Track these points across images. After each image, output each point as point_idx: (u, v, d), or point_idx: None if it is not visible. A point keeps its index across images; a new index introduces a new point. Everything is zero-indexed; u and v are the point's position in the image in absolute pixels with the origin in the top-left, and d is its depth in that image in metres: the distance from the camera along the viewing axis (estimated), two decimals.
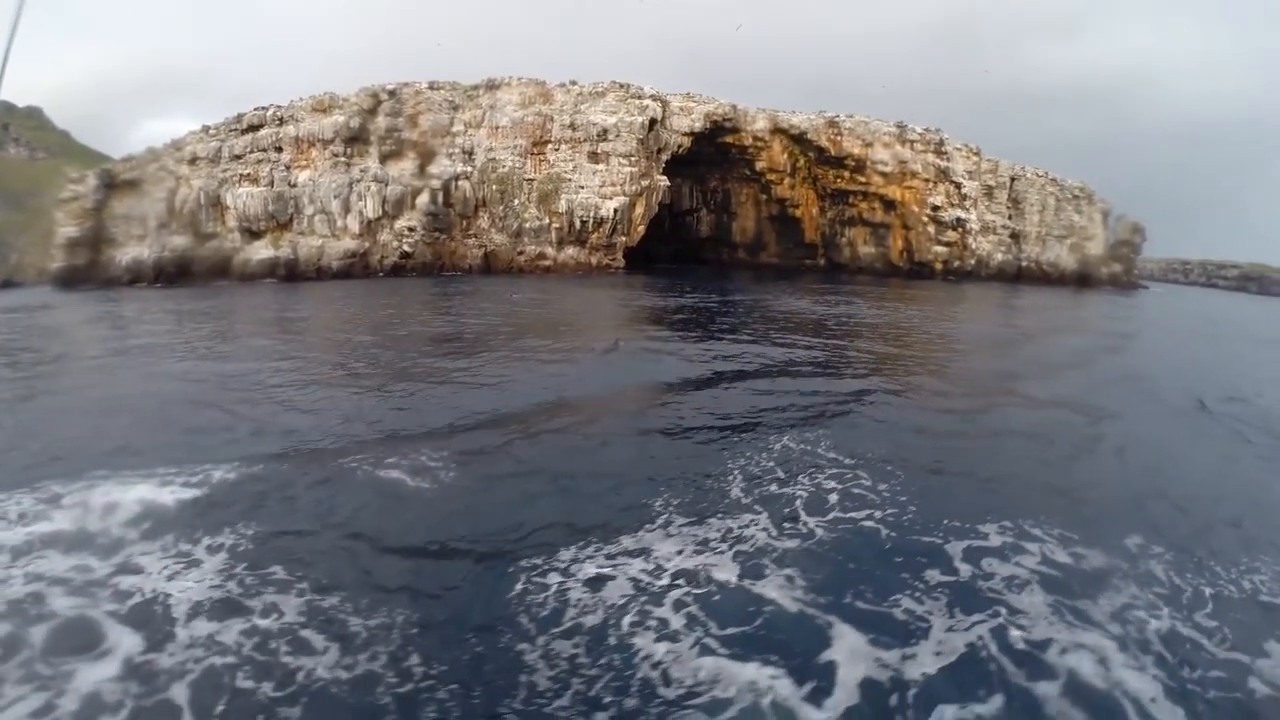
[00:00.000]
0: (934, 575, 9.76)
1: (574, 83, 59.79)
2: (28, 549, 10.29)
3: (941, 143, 71.73)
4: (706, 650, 8.11)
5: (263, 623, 8.84)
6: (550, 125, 55.67)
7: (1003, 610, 8.95)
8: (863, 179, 70.83)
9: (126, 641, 8.55)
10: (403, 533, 11.22)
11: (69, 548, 10.47)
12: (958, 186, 72.10)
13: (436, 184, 50.08)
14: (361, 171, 47.38)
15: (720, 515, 11.42)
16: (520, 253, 54.15)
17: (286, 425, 15.67)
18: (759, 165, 69.33)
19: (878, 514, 11.38)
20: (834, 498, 12.02)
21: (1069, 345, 36.81)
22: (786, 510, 11.60)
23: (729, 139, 66.62)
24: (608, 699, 7.43)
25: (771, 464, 13.61)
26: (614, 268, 57.61)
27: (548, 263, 54.52)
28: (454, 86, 56.03)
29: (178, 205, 44.43)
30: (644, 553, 10.25)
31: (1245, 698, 7.77)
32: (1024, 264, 76.40)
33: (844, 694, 7.58)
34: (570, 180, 55.89)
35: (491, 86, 56.93)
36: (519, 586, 9.39)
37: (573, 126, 55.94)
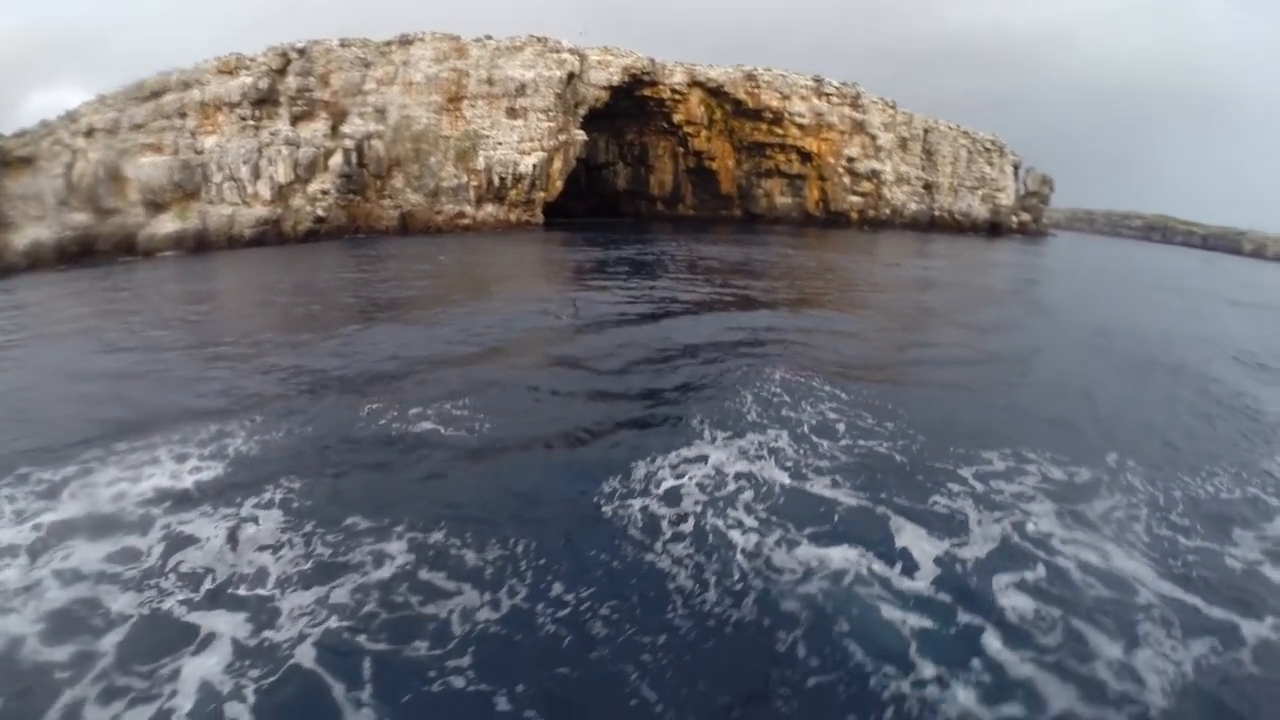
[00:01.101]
0: (954, 488, 12.25)
1: (490, 37, 59.66)
2: (43, 545, 10.14)
3: (858, 96, 74.45)
4: (794, 541, 10.34)
5: (374, 574, 9.52)
6: (466, 81, 55.88)
7: (1018, 512, 11.54)
8: (780, 131, 73.08)
9: (221, 624, 8.77)
10: (464, 473, 12.41)
11: (95, 534, 10.48)
12: (873, 139, 75.18)
13: (349, 144, 49.71)
14: (272, 135, 46.62)
15: (750, 431, 13.98)
16: (438, 212, 54.58)
17: (272, 390, 16.28)
18: (676, 118, 70.65)
19: (886, 443, 13.88)
20: (841, 427, 14.56)
21: (990, 284, 42.81)
22: (799, 430, 14.24)
23: (647, 92, 67.66)
24: (740, 587, 9.23)
25: (777, 389, 16.37)
26: (533, 224, 58.58)
27: (466, 221, 55.17)
28: (366, 43, 55.29)
29: (76, 180, 42.75)
30: (701, 460, 12.65)
31: (1222, 574, 10.32)
32: (937, 213, 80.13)
33: (927, 569, 9.88)
34: (488, 137, 56.36)
35: (405, 42, 56.50)
36: (611, 507, 11.16)
37: (489, 82, 56.25)
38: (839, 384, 17.41)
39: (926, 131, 79.79)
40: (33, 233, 40.75)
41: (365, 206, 51.39)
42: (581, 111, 62.40)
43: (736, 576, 9.49)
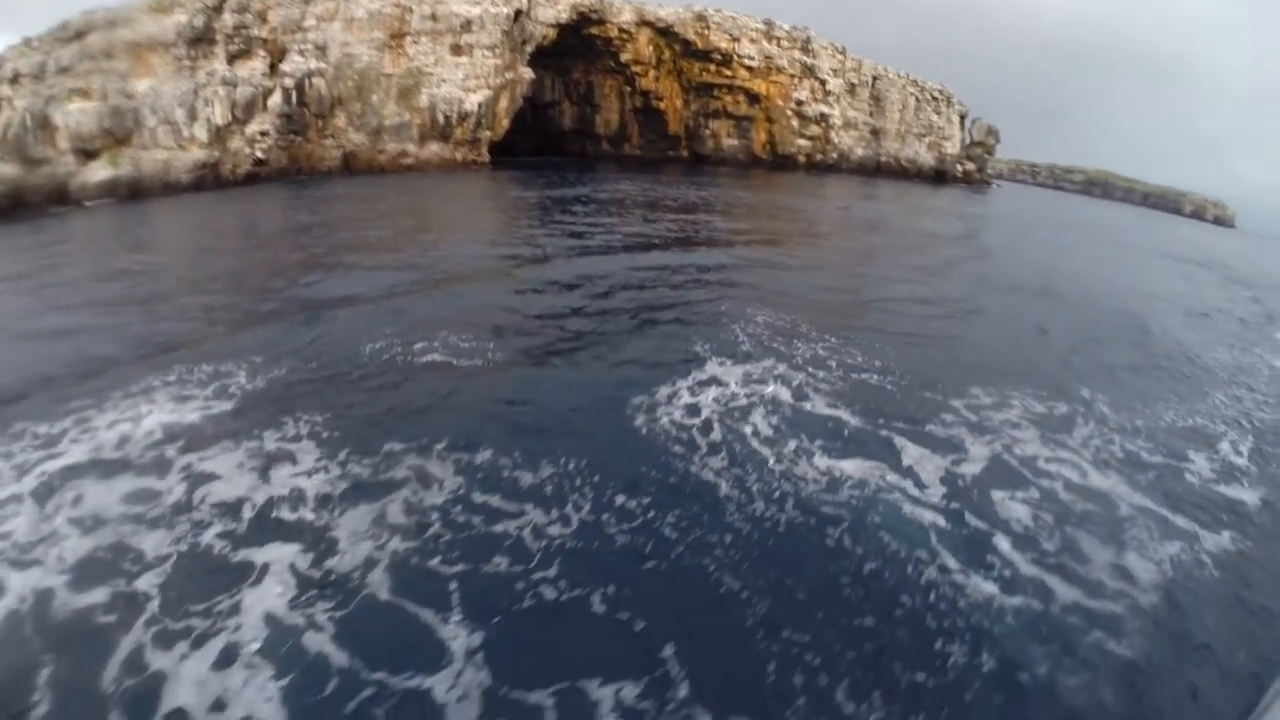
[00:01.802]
0: (947, 416, 14.54)
1: None
2: (50, 493, 10.12)
3: (809, 40, 74.95)
4: (813, 453, 12.20)
5: (428, 498, 10.14)
6: (409, 17, 54.50)
7: (1006, 437, 13.90)
8: (729, 73, 73.46)
9: (275, 555, 9.08)
10: (486, 398, 13.46)
11: (106, 477, 10.58)
12: (822, 83, 76.02)
13: (289, 83, 48.52)
14: (208, 75, 45.21)
15: (749, 360, 16.05)
16: (381, 151, 53.81)
17: (260, 335, 16.64)
18: (624, 58, 70.43)
19: (875, 376, 16.23)
20: (832, 361, 16.79)
21: (940, 229, 46.84)
22: (794, 361, 16.44)
23: (594, 31, 67.24)
24: (779, 494, 10.85)
25: (763, 327, 18.70)
26: (479, 163, 58.35)
27: (410, 161, 54.66)
28: None
29: (2, 131, 40.93)
30: (713, 382, 14.59)
31: (1183, 489, 13.03)
32: (883, 159, 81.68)
33: (934, 482, 11.85)
34: (432, 74, 55.39)
35: None
36: (644, 424, 12.78)
37: (433, 18, 55.07)
38: (817, 319, 20.09)
39: (875, 78, 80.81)
40: None
41: (307, 147, 50.41)
42: (529, 49, 61.66)
43: (774, 485, 11.21)
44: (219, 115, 45.86)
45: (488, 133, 59.48)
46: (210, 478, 10.88)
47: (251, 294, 20.76)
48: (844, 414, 13.85)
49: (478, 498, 10.33)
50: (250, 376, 14.32)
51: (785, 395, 14.35)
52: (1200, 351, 23.36)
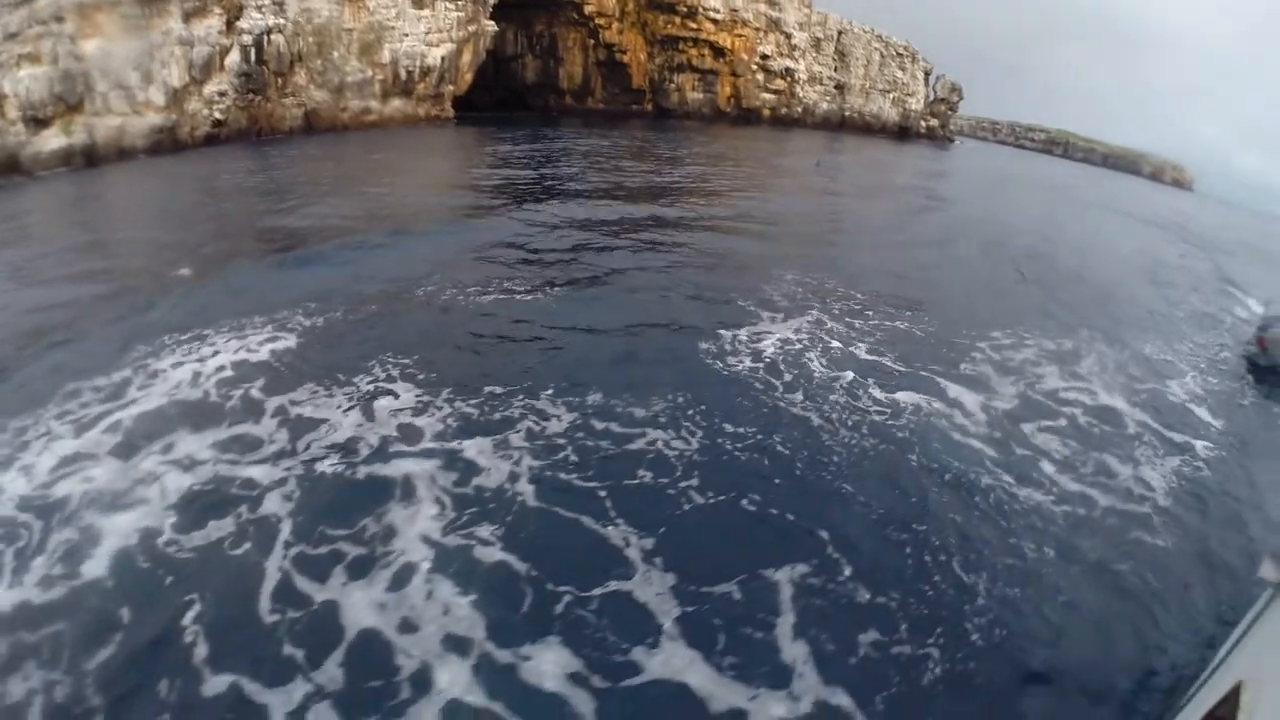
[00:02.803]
0: (976, 355, 17.31)
1: None
2: (136, 438, 10.70)
3: None
4: (871, 389, 14.37)
5: (548, 427, 11.40)
6: None
7: (1029, 374, 16.75)
8: (694, 25, 72.93)
9: (414, 478, 9.88)
10: (568, 342, 15.01)
11: (193, 417, 11.31)
12: (788, 37, 76.14)
13: (247, 40, 46.76)
14: (163, 34, 43.04)
15: (792, 315, 18.24)
16: (343, 109, 52.83)
17: (300, 287, 17.62)
18: (587, 9, 69.40)
19: (904, 323, 18.89)
20: (870, 311, 19.50)
21: (920, 184, 50.13)
22: (832, 312, 18.97)
23: None
24: (854, 422, 12.98)
25: (794, 285, 21.00)
26: (443, 118, 57.92)
27: (373, 117, 53.99)
28: None
29: None
30: (768, 333, 16.65)
31: (1172, 408, 16.41)
32: (848, 114, 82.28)
33: (977, 413, 14.19)
34: (393, 28, 54.12)
35: None
36: (721, 368, 14.56)
37: None
38: (832, 271, 22.91)
39: (840, 33, 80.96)
40: None
41: (267, 107, 48.89)
42: (491, 1, 60.22)
43: (846, 413, 13.37)
44: (176, 77, 44.10)
45: (451, 87, 58.69)
46: (306, 415, 11.90)
47: (259, 243, 21.97)
48: (887, 359, 16.13)
49: (598, 425, 11.71)
50: (309, 327, 15.40)
51: (833, 344, 16.52)
52: (1169, 299, 27.94)
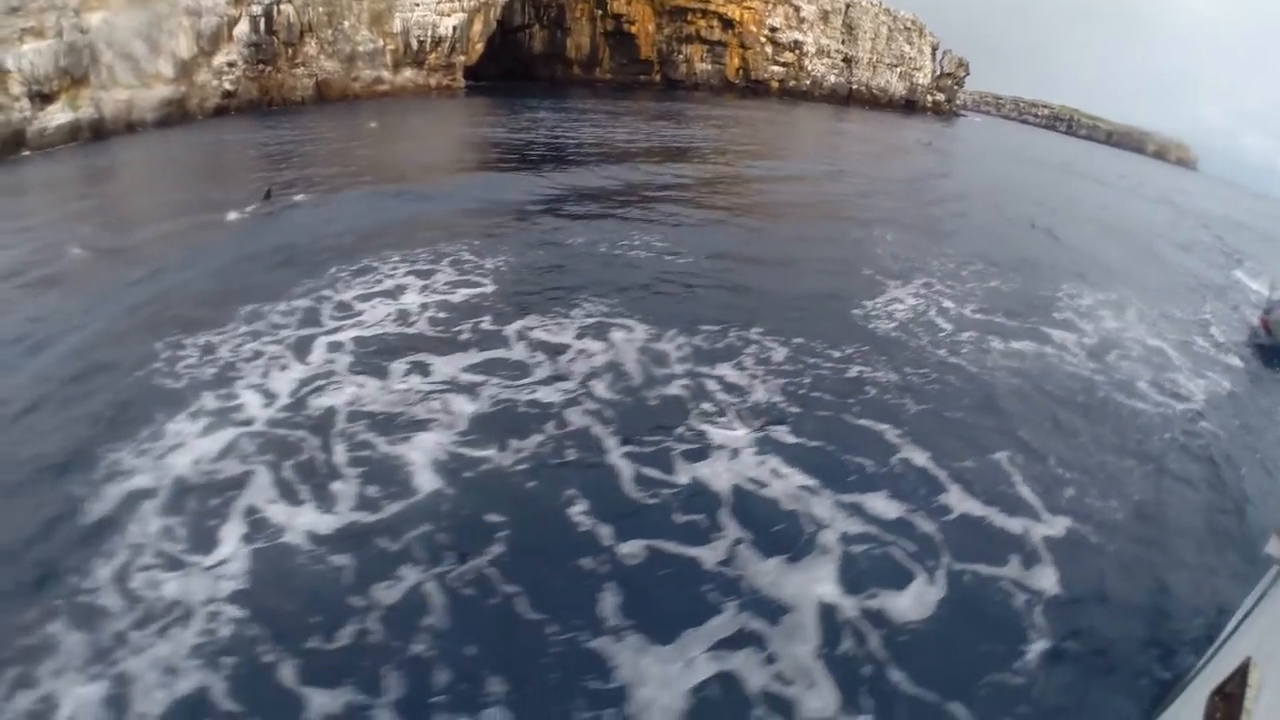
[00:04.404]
0: (1058, 305, 20.18)
1: None
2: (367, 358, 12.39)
3: None
4: (992, 338, 16.90)
5: (772, 355, 13.64)
6: None
7: (1096, 317, 19.93)
8: None
9: (688, 386, 11.97)
10: (744, 298, 17.12)
11: (442, 350, 12.76)
12: (796, 10, 75.29)
13: (257, 9, 45.62)
14: (170, 5, 41.76)
15: (913, 277, 20.64)
16: (355, 79, 52.16)
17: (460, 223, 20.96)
18: None
19: (994, 281, 21.77)
20: (964, 271, 22.10)
21: (949, 156, 51.33)
22: (940, 273, 21.40)
23: None
24: (991, 363, 15.40)
25: (895, 246, 23.93)
26: (454, 88, 57.46)
27: (385, 87, 53.45)
28: None
29: None
30: (896, 300, 18.65)
31: (1207, 346, 19.84)
32: (855, 87, 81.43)
33: (1078, 351, 17.08)
34: None
35: None
36: (867, 324, 16.74)
37: None
38: (925, 235, 25.90)
39: (849, 6, 79.91)
40: None
41: (277, 77, 47.89)
42: None
43: (986, 359, 15.69)
44: (184, 48, 42.39)
45: (462, 57, 57.77)
46: (552, 341, 13.27)
47: (340, 182, 24.22)
48: (995, 316, 18.43)
49: (808, 359, 13.79)
50: (474, 253, 17.70)
51: (948, 305, 18.67)
52: (1184, 266, 31.15)
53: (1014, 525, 9.92)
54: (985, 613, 8.49)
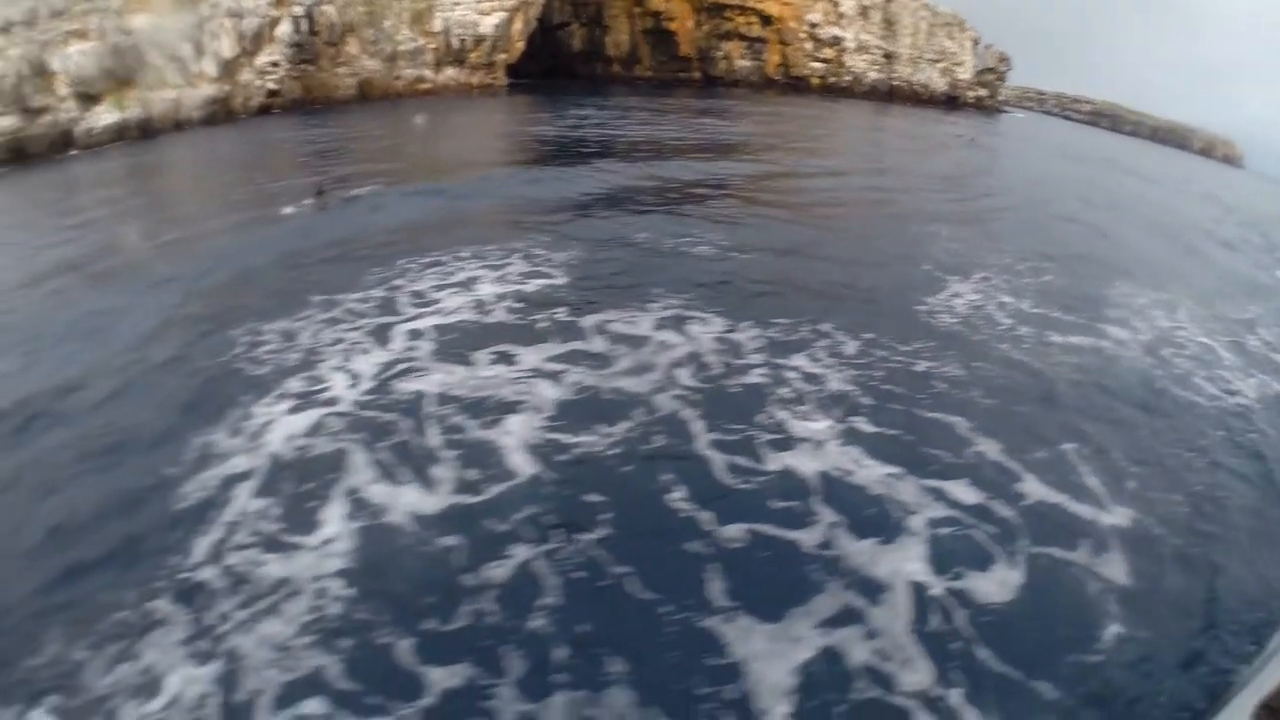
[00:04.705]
0: (1115, 300, 20.34)
1: None
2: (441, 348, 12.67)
3: None
4: (1053, 332, 16.97)
5: (844, 348, 14.08)
6: None
7: (1150, 315, 19.79)
8: None
9: (767, 376, 12.30)
10: (806, 295, 17.23)
11: (524, 340, 13.03)
12: (835, 5, 73.62)
13: (299, 10, 45.95)
14: (212, 6, 42.37)
15: (972, 272, 20.63)
16: (397, 78, 52.46)
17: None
18: None
19: (1049, 277, 21.52)
20: (1022, 266, 22.06)
21: (986, 154, 49.68)
22: (997, 268, 21.44)
23: None
24: (1052, 355, 15.66)
25: (951, 243, 23.73)
26: (496, 87, 57.33)
27: (427, 86, 53.66)
28: None
29: None
30: (957, 295, 18.72)
31: (1249, 350, 18.97)
32: (896, 83, 79.05)
33: (1135, 347, 17.25)
34: None
35: None
36: (931, 318, 16.85)
37: None
38: (976, 230, 25.96)
39: (888, 1, 78.38)
40: None
41: (320, 76, 48.21)
42: None
43: (1047, 353, 15.77)
44: (226, 48, 43.05)
45: (503, 56, 57.79)
46: (631, 334, 13.46)
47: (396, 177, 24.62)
48: (1050, 310, 18.47)
49: (879, 352, 13.99)
50: (546, 248, 17.90)
51: (1006, 300, 18.72)
52: (1230, 265, 30.59)
53: (1083, 513, 10.18)
54: (1060, 596, 8.73)
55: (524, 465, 9.80)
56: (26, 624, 7.79)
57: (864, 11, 77.53)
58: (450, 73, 54.83)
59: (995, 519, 9.61)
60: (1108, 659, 7.93)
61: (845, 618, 7.82)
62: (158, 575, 8.15)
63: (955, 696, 7.15)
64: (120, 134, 41.32)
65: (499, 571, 8.17)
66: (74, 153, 40.45)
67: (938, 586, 8.35)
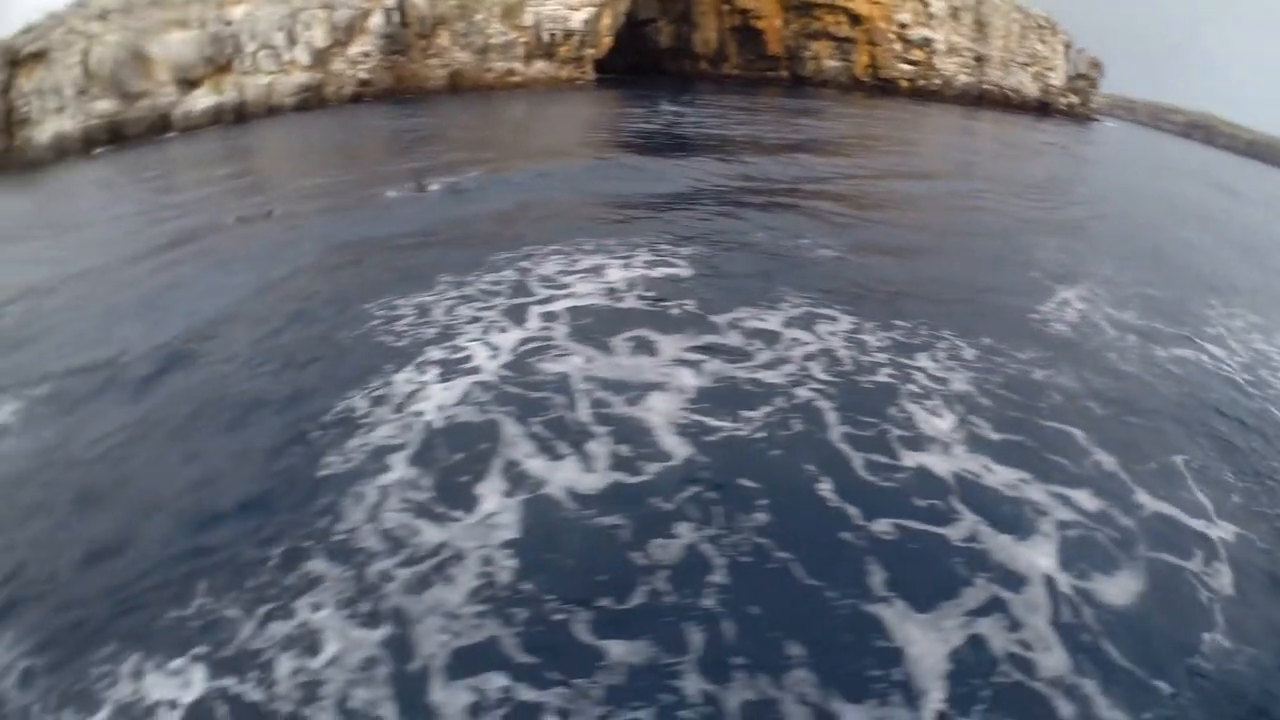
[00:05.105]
0: (1210, 318, 19.88)
1: None
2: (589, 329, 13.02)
3: None
4: (1155, 344, 17.00)
5: (961, 352, 14.23)
6: None
7: (1247, 339, 19.04)
8: None
9: (893, 375, 12.63)
10: (920, 300, 17.24)
11: (663, 328, 13.27)
12: (925, 6, 71.10)
13: (390, 3, 46.71)
14: None
15: (1076, 281, 20.28)
16: (488, 70, 52.95)
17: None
18: None
19: (1149, 289, 21.01)
20: (1124, 278, 21.61)
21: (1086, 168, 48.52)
22: (1101, 278, 21.09)
23: None
24: (1163, 363, 15.94)
25: (1055, 251, 23.52)
26: (585, 81, 57.47)
27: (517, 79, 53.90)
28: None
29: (95, 67, 40.09)
30: (1064, 302, 18.63)
31: None
32: (986, 87, 75.97)
33: (1236, 358, 17.39)
34: None
35: None
36: (1043, 325, 16.85)
37: None
38: (1073, 238, 25.58)
39: (979, 2, 75.14)
40: (53, 126, 38.87)
41: (411, 67, 48.95)
42: None
43: (1147, 366, 15.74)
44: (319, 38, 43.97)
45: (591, 50, 57.77)
46: (762, 328, 13.70)
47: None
48: (1154, 322, 18.36)
49: (997, 359, 14.14)
50: (678, 244, 18.07)
51: (1111, 311, 18.50)
52: None
53: (1195, 526, 10.37)
54: (1174, 602, 8.95)
55: (677, 446, 9.85)
56: (171, 575, 7.97)
57: (954, 13, 75.76)
58: (540, 66, 55.03)
59: (1114, 525, 9.85)
60: (1217, 666, 8.13)
61: (989, 608, 8.13)
62: (308, 535, 8.26)
63: (1089, 686, 7.45)
64: (216, 117, 42.66)
65: (667, 551, 8.24)
66: (170, 135, 41.62)
67: (1067, 585, 8.64)
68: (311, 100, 44.98)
